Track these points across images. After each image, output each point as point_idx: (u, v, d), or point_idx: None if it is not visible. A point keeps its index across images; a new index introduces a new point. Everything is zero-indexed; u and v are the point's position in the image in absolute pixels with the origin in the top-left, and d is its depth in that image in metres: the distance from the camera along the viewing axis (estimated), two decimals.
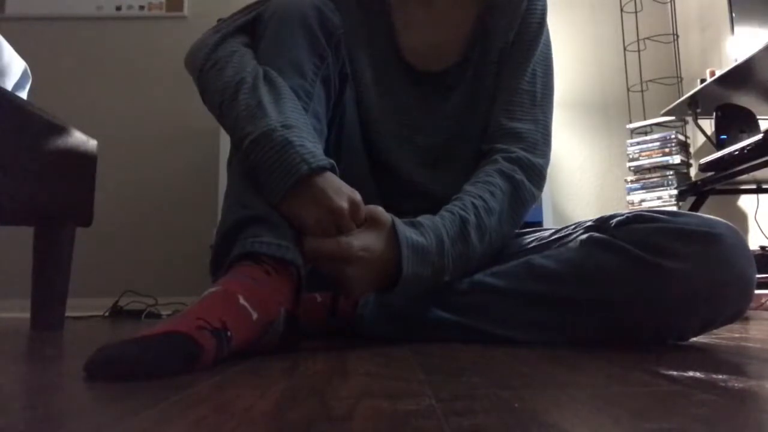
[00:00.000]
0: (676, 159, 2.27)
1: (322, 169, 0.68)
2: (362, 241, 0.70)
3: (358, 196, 0.71)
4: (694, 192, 1.95)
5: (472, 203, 0.81)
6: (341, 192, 0.69)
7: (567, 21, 2.81)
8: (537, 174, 0.89)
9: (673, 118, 2.39)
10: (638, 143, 2.38)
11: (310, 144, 0.70)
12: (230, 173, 0.78)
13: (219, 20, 0.88)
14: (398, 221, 0.73)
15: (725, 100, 2.01)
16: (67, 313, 1.43)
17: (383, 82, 0.95)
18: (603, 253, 0.74)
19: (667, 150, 2.30)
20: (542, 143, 0.92)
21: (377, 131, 0.95)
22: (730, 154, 1.68)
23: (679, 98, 2.30)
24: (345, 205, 0.68)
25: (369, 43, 0.94)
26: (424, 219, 0.77)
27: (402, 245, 0.71)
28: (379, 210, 0.73)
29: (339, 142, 0.92)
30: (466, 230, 0.78)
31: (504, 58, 0.94)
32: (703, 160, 1.83)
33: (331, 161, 0.70)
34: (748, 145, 1.59)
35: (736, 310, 0.72)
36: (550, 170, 0.94)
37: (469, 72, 0.95)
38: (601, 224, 0.79)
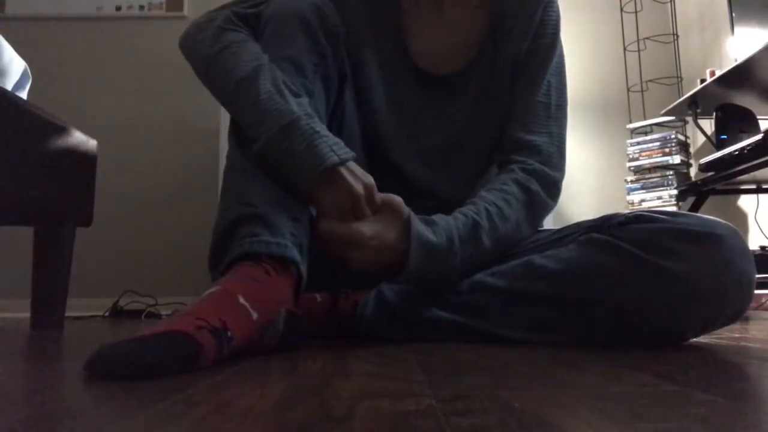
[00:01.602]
0: (676, 159, 2.27)
1: (348, 160, 0.71)
2: (374, 230, 0.73)
3: (371, 181, 0.74)
4: (694, 192, 1.95)
5: (486, 209, 0.83)
6: (358, 178, 0.72)
7: (567, 21, 2.78)
8: (553, 187, 0.91)
9: (673, 118, 2.39)
10: (638, 143, 2.38)
11: (332, 136, 0.73)
12: (227, 167, 0.78)
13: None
14: (414, 217, 0.76)
15: (725, 100, 2.01)
16: (67, 313, 1.43)
17: (390, 82, 0.95)
18: (603, 254, 0.74)
19: (667, 150, 2.30)
20: (557, 156, 0.93)
21: (382, 131, 0.95)
22: (730, 154, 1.68)
23: (679, 98, 2.30)
24: (362, 191, 0.72)
25: (376, 43, 0.94)
26: (438, 218, 0.79)
27: (413, 241, 0.74)
28: (398, 201, 0.76)
29: None
30: (477, 234, 0.80)
31: (518, 69, 0.94)
32: (703, 160, 1.82)
33: (353, 152, 0.73)
34: (748, 145, 1.59)
35: (737, 311, 0.72)
36: None
37: (477, 76, 0.95)
38: (602, 224, 0.79)
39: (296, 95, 0.74)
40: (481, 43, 0.95)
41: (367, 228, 0.73)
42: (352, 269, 0.75)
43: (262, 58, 0.76)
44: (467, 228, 0.80)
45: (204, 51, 0.80)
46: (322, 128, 0.72)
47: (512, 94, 0.95)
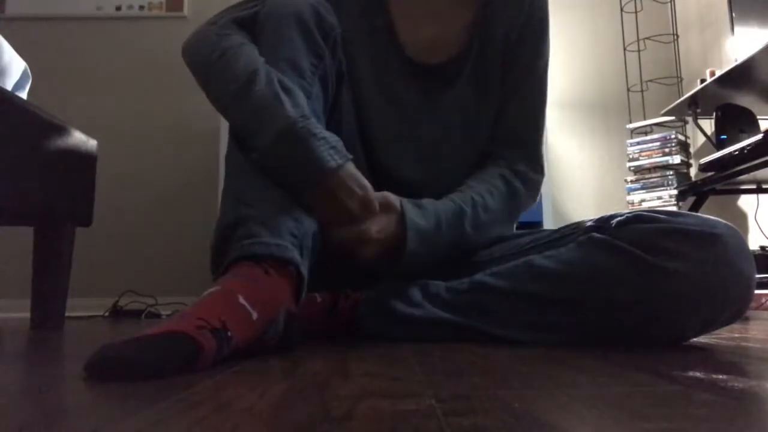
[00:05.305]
0: (676, 159, 2.27)
1: (347, 162, 0.74)
2: (378, 225, 0.78)
3: (367, 184, 0.77)
4: (694, 192, 1.95)
5: (472, 198, 0.88)
6: (356, 181, 0.75)
7: (567, 21, 2.80)
8: (534, 188, 0.98)
9: (673, 118, 2.39)
10: (638, 143, 2.38)
11: (330, 136, 0.74)
12: (228, 168, 0.78)
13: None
14: (407, 207, 0.82)
15: (725, 100, 2.01)
16: (67, 313, 1.43)
17: (383, 78, 0.94)
18: (603, 254, 0.74)
19: (667, 150, 2.30)
20: (541, 156, 0.99)
21: (375, 129, 0.95)
22: (730, 154, 1.68)
23: (679, 98, 2.29)
24: (360, 193, 0.76)
25: (368, 39, 0.94)
26: (427, 202, 0.85)
27: (408, 230, 0.80)
28: (391, 197, 0.81)
29: None
30: (461, 221, 0.86)
31: (508, 57, 0.95)
32: (703, 160, 1.82)
33: (350, 155, 0.75)
34: (748, 145, 1.59)
35: (736, 311, 0.72)
36: (549, 170, 0.98)
37: (469, 65, 0.95)
38: (601, 224, 0.79)
39: (300, 96, 0.75)
40: (471, 30, 0.95)
41: (373, 225, 0.78)
42: (360, 265, 0.80)
43: (257, 62, 0.76)
44: (455, 214, 0.86)
45: (202, 60, 0.81)
46: (319, 129, 0.73)
47: (506, 81, 0.96)
